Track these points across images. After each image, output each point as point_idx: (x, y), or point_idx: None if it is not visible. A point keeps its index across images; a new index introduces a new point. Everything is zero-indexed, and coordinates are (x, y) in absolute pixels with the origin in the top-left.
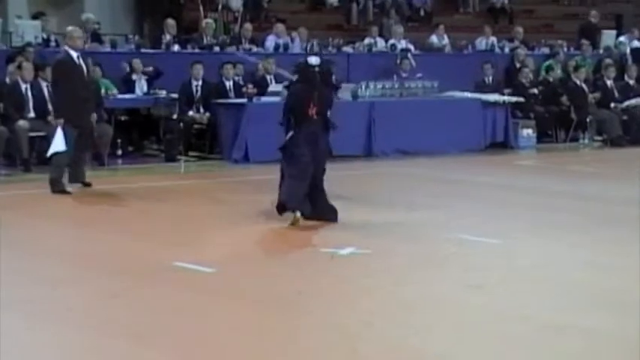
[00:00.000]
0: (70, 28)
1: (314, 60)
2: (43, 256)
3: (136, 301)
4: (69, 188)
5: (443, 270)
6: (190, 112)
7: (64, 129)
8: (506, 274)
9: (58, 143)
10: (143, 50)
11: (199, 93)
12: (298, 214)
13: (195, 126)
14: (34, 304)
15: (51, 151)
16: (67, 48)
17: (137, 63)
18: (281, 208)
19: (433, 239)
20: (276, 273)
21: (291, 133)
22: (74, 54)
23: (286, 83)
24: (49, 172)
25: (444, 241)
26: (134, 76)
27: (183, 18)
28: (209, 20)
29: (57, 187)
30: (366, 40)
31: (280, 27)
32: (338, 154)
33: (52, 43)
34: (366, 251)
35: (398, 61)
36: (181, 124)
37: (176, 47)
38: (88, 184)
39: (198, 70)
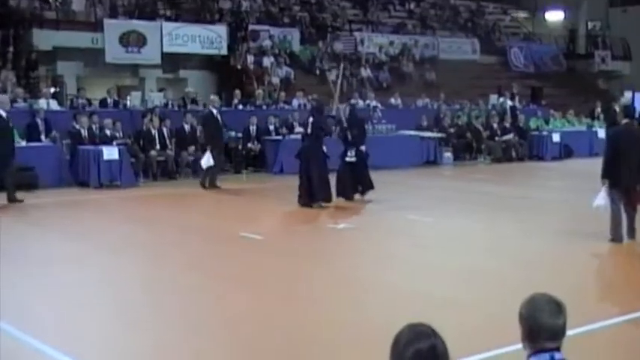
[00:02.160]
0: (212, 96)
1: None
2: (163, 227)
3: (218, 256)
4: (218, 184)
5: (399, 236)
6: (249, 144)
7: (211, 152)
8: (435, 239)
9: (208, 160)
10: (223, 109)
11: (254, 133)
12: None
13: (252, 152)
14: (161, 254)
15: (205, 165)
16: (211, 107)
17: (218, 118)
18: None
19: (393, 218)
20: (299, 239)
21: (363, 147)
22: (214, 110)
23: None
24: (203, 177)
25: (400, 219)
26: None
27: (244, 89)
28: (260, 91)
29: (208, 185)
30: (352, 101)
31: (301, 94)
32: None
33: (169, 106)
34: (353, 226)
35: (371, 113)
36: (244, 151)
37: (240, 106)
38: (218, 187)
39: (254, 119)
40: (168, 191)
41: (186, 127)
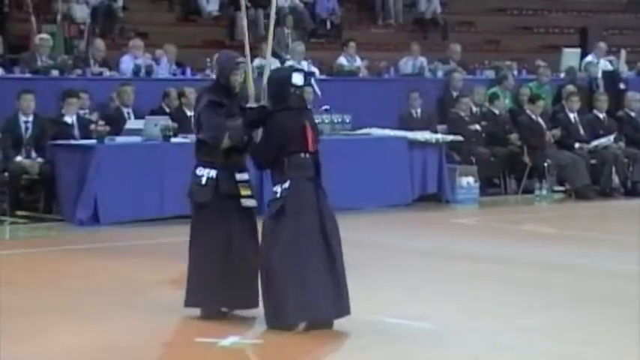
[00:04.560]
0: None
1: (299, 79)
2: None
3: None
4: None
5: None
6: (18, 158)
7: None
8: None
9: None
10: None
11: (30, 132)
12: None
13: (25, 176)
14: None
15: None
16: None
17: None
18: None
19: (346, 322)
20: None
21: (285, 185)
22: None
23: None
24: None
25: (359, 325)
26: None
27: (7, 31)
28: (44, 35)
29: None
30: (256, 62)
31: (139, 44)
32: None
33: None
34: (255, 341)
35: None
36: (6, 174)
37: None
38: None
39: (29, 101)
40: None
41: None
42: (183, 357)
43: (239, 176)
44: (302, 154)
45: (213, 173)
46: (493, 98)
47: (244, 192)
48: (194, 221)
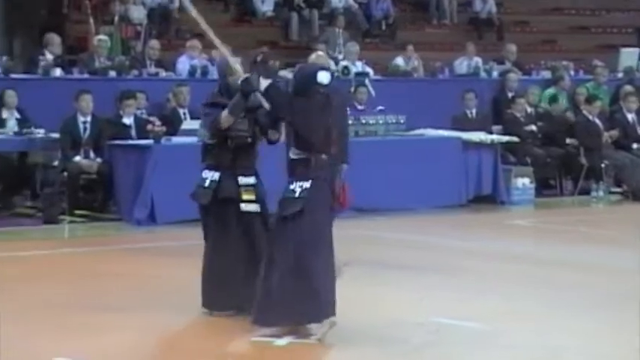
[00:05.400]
0: None
1: (325, 77)
2: None
3: None
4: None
5: None
6: (77, 158)
7: None
8: None
9: None
10: (14, 76)
11: (88, 132)
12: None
13: (84, 176)
14: None
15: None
16: None
17: (10, 95)
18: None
19: (400, 324)
20: None
21: (306, 184)
22: None
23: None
24: None
25: (415, 327)
26: (4, 113)
27: (67, 33)
28: (102, 37)
29: None
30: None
31: (196, 44)
32: None
33: None
34: (308, 340)
35: (352, 89)
36: (65, 174)
37: (57, 72)
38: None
39: (87, 101)
40: None
41: None
42: (239, 355)
43: (243, 180)
44: (324, 156)
45: (216, 176)
46: (551, 99)
47: (246, 196)
48: (202, 223)
